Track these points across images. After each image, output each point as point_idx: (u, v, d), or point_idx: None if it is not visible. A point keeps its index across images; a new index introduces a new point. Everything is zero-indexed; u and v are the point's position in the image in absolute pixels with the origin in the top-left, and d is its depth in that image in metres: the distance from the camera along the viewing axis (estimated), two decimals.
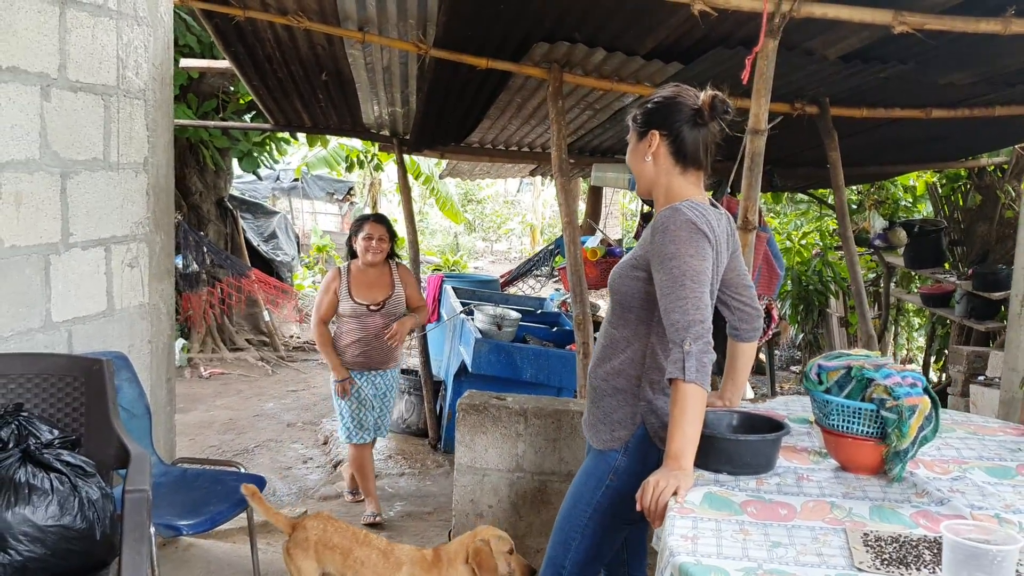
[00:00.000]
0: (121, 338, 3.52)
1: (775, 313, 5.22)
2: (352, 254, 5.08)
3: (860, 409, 2.12)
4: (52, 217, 3.12)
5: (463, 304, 7.28)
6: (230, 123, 8.76)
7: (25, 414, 2.66)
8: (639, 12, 3.76)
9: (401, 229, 7.61)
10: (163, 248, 3.77)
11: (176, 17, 7.58)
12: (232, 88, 9.04)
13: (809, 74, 4.35)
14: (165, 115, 3.77)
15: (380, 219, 5.06)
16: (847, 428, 2.14)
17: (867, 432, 2.12)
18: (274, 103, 6.17)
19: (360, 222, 5.02)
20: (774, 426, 2.27)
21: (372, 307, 4.92)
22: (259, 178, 12.80)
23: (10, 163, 2.90)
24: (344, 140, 13.17)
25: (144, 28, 3.61)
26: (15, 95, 2.90)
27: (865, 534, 1.78)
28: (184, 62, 6.94)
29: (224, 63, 7.10)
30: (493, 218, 25.96)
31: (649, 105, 2.36)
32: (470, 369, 6.05)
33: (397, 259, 5.18)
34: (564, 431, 3.52)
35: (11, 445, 2.54)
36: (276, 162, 10.84)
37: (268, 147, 9.78)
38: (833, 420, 2.17)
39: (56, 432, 2.66)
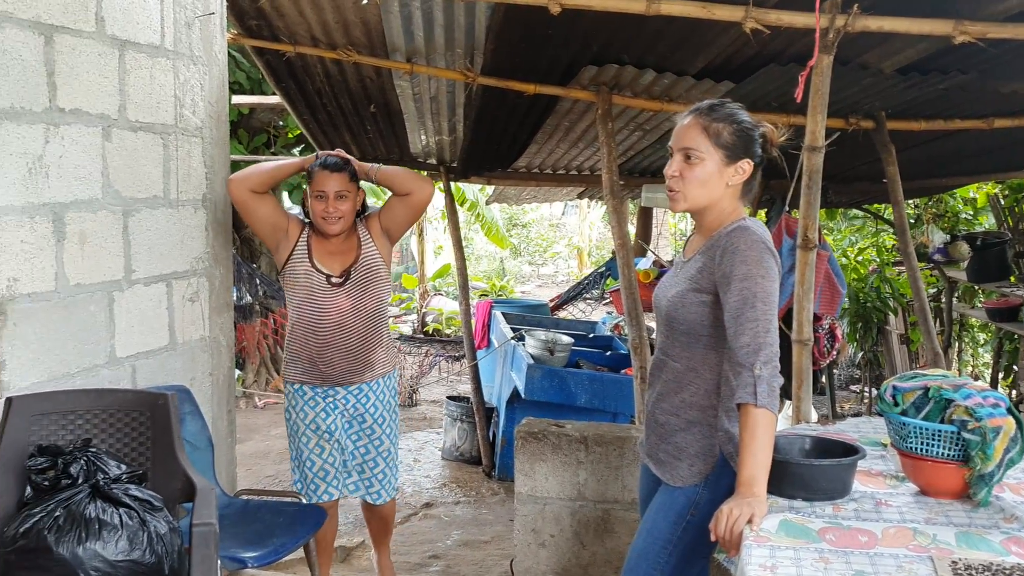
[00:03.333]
0: (183, 371, 3.55)
1: (839, 333, 5.13)
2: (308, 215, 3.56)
3: (940, 431, 2.05)
4: (115, 255, 3.16)
5: (513, 330, 7.26)
6: (280, 157, 8.89)
7: (93, 449, 2.68)
8: (689, 33, 3.74)
9: (449, 256, 7.62)
10: (222, 282, 3.81)
11: None
12: (281, 123, 9.18)
13: (864, 88, 4.29)
14: (222, 151, 3.82)
15: (334, 165, 3.43)
16: (927, 451, 2.07)
17: (948, 455, 2.05)
18: (323, 136, 6.24)
19: (309, 172, 3.48)
20: (847, 450, 2.21)
21: (334, 280, 3.44)
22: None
23: (74, 203, 2.95)
24: None
25: (200, 67, 3.67)
26: (78, 136, 2.96)
27: (954, 562, 1.72)
28: (235, 99, 7.06)
29: (274, 99, 7.22)
30: (539, 242, 25.94)
31: (744, 130, 2.25)
32: (523, 395, 6.02)
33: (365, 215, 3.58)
34: (627, 458, 3.46)
35: (80, 481, 2.56)
36: None
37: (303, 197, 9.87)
38: (911, 443, 2.10)
39: (123, 467, 2.68)
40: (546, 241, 25.97)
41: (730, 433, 2.25)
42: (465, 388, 8.48)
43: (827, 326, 5.22)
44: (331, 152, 3.52)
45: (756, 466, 2.02)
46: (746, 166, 2.26)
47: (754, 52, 3.88)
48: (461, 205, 15.54)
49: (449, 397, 7.40)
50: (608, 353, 7.10)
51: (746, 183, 2.29)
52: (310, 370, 3.49)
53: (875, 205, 8.78)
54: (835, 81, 3.48)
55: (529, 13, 3.47)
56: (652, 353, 2.54)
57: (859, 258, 9.50)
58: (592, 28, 3.79)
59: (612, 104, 4.46)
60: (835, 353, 5.08)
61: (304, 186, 3.54)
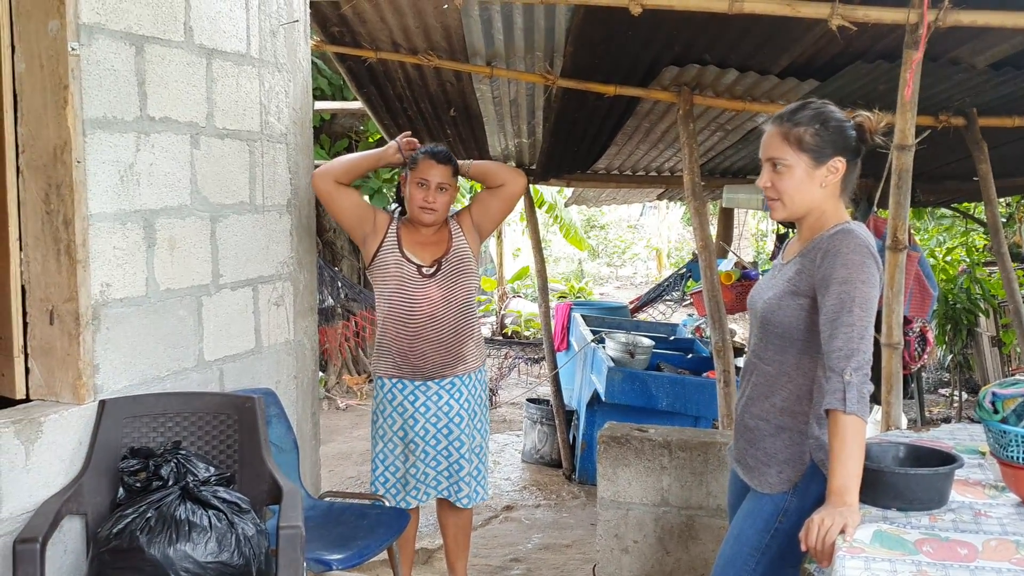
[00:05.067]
0: (269, 375, 3.61)
1: (930, 336, 4.97)
2: (401, 203, 3.62)
3: None
4: (203, 260, 3.24)
5: (593, 332, 7.22)
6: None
7: (183, 452, 2.75)
8: (773, 31, 3.67)
9: (527, 259, 7.60)
10: (306, 286, 3.87)
11: None
12: (362, 127, 9.30)
13: (955, 84, 4.15)
14: (306, 157, 3.89)
15: (442, 156, 3.45)
16: None
17: None
18: None
19: (413, 159, 3.50)
20: (943, 458, 2.13)
21: (425, 270, 3.44)
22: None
23: (164, 209, 3.03)
24: None
25: (284, 74, 3.74)
26: (167, 144, 3.04)
27: None
28: (316, 105, 7.18)
29: (355, 104, 7.33)
30: (617, 243, 25.80)
31: (830, 128, 2.19)
32: (603, 398, 5.98)
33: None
34: (711, 464, 3.41)
35: (171, 483, 2.63)
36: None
37: (397, 183, 9.99)
38: (1012, 452, 2.02)
39: (212, 469, 2.74)
40: (624, 243, 25.81)
41: (821, 440, 2.20)
42: (544, 390, 8.47)
43: (918, 329, 5.07)
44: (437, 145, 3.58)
45: (847, 475, 1.97)
46: (838, 164, 2.20)
47: (839, 49, 3.79)
48: (539, 207, 15.55)
49: (529, 399, 7.39)
50: (689, 356, 7.00)
51: (844, 179, 2.23)
52: (402, 364, 3.45)
53: (964, 204, 8.49)
54: (925, 77, 3.38)
55: (610, 14, 3.45)
56: (735, 356, 2.50)
57: (947, 258, 9.20)
58: (673, 28, 3.74)
59: (693, 104, 4.41)
60: (926, 357, 4.92)
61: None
